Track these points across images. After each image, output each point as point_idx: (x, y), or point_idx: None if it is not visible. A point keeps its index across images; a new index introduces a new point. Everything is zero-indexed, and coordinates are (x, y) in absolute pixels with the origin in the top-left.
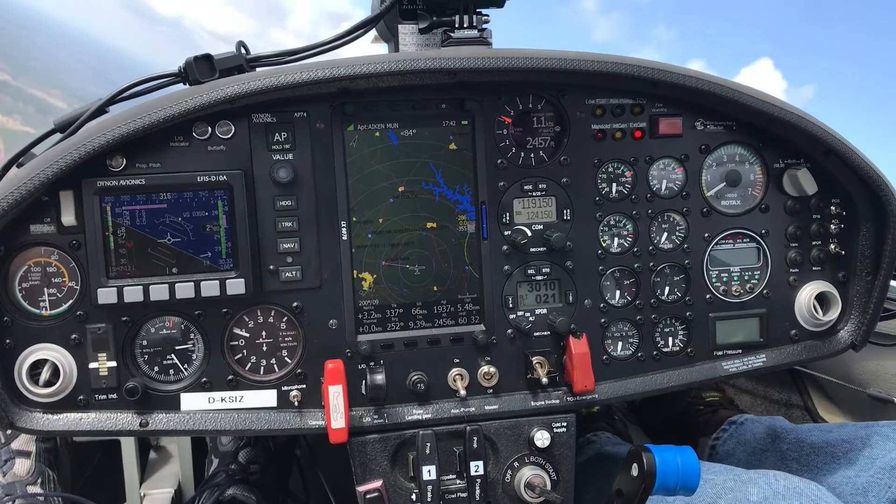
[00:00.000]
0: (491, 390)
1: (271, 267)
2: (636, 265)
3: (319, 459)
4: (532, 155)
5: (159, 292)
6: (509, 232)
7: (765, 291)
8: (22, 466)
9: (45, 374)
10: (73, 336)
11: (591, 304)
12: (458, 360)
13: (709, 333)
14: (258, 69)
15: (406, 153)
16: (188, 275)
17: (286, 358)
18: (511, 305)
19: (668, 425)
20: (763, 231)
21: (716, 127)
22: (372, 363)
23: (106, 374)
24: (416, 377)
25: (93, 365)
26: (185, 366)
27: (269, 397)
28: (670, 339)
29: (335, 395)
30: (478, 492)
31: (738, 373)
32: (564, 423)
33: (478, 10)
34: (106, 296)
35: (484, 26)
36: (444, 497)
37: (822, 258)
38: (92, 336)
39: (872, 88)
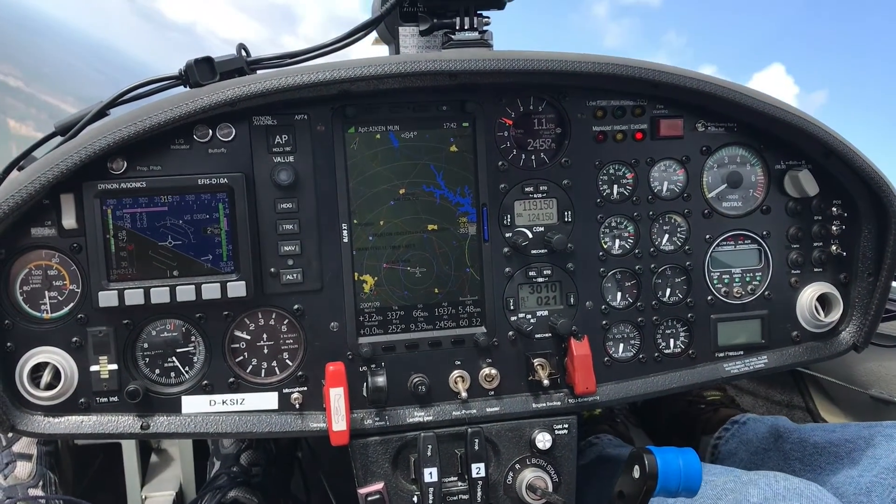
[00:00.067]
0: (492, 392)
1: (272, 269)
2: (637, 267)
3: (321, 462)
4: (533, 157)
5: (160, 295)
6: (510, 234)
7: (766, 293)
8: (23, 469)
9: (46, 377)
10: (74, 339)
11: (592, 305)
12: (459, 363)
13: (710, 335)
14: (259, 72)
15: (407, 155)
16: (189, 277)
17: (287, 360)
18: (512, 307)
19: (670, 426)
20: (764, 232)
21: (717, 128)
22: (373, 365)
23: (107, 376)
24: (417, 379)
25: (94, 368)
26: (186, 368)
27: (270, 400)
28: (672, 340)
29: (336, 397)
30: (479, 494)
31: (739, 374)
32: (566, 425)
33: (478, 11)
34: (107, 299)
35: (485, 28)
36: (445, 499)
37: (824, 259)
38: (93, 339)
39: (885, 93)
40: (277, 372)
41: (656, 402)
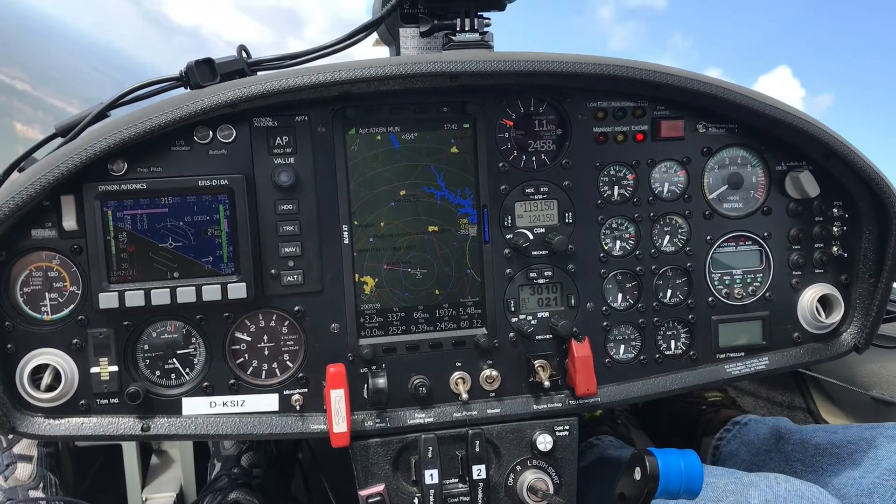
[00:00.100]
0: (493, 394)
1: (273, 271)
2: (638, 268)
3: (321, 463)
4: (534, 158)
5: (161, 297)
6: (511, 235)
7: (767, 294)
8: (24, 471)
9: (46, 378)
10: (75, 340)
11: (593, 307)
12: (459, 364)
13: (711, 336)
14: (259, 73)
15: (407, 157)
16: (190, 279)
17: (288, 362)
18: (513, 309)
19: (671, 427)
20: (765, 233)
21: (717, 129)
22: (374, 367)
23: (107, 378)
24: (417, 381)
25: (94, 369)
26: (187, 370)
27: (270, 401)
28: (673, 342)
29: (337, 398)
30: (480, 496)
31: (740, 375)
32: (567, 427)
33: (479, 13)
34: (107, 300)
35: (485, 29)
36: (446, 501)
37: (825, 260)
38: (93, 340)
39: (892, 96)
40: (278, 373)
41: (657, 403)
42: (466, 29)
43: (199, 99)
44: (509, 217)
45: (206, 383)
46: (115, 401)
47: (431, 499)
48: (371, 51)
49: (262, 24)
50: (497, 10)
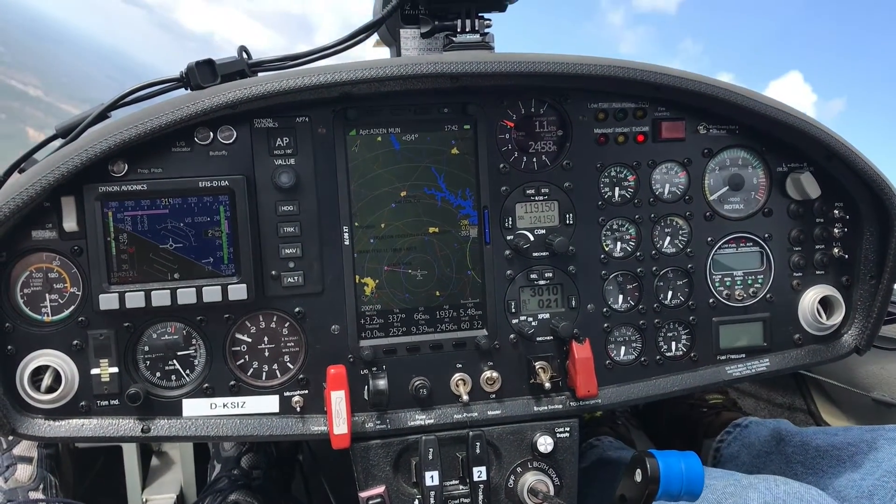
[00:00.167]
0: (493, 395)
1: (273, 272)
2: (639, 269)
3: (322, 465)
4: (534, 159)
5: (161, 298)
6: (512, 236)
7: (768, 295)
8: (24, 472)
9: (46, 380)
10: (75, 342)
11: (593, 308)
12: (460, 366)
13: (712, 338)
14: (260, 74)
15: (408, 158)
16: (190, 280)
17: (288, 363)
18: (514, 310)
19: (672, 428)
20: (766, 235)
21: (718, 131)
22: (374, 368)
23: (108, 380)
24: (418, 382)
25: (94, 371)
26: (187, 371)
27: (271, 403)
28: (673, 343)
29: (337, 400)
30: (481, 497)
31: (741, 377)
32: (567, 428)
33: (479, 14)
34: (108, 301)
35: (486, 30)
36: (446, 503)
37: (826, 262)
38: (94, 342)
39: None
40: (278, 375)
41: (658, 405)
42: (467, 30)
43: (200, 100)
44: (510, 218)
45: (206, 385)
46: (116, 402)
47: (432, 500)
48: (372, 52)
49: (274, 30)
50: (498, 11)
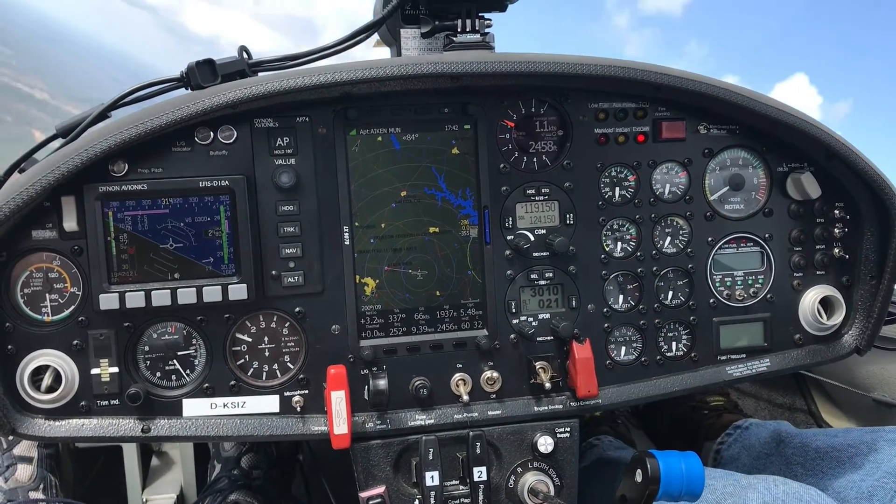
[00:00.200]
0: (494, 395)
1: (273, 272)
2: (639, 269)
3: (322, 465)
4: (535, 159)
5: (161, 298)
6: (512, 236)
7: (769, 296)
8: (24, 472)
9: (46, 380)
10: (75, 342)
11: (594, 308)
12: (460, 366)
13: (712, 338)
14: (260, 74)
15: (408, 158)
16: (190, 280)
17: (288, 363)
18: (514, 310)
19: (672, 429)
20: (767, 235)
21: (719, 131)
22: (374, 368)
23: (108, 379)
24: (418, 382)
25: (95, 371)
26: (188, 371)
27: (271, 403)
28: (674, 343)
29: (338, 400)
30: (481, 498)
31: (742, 377)
32: (568, 429)
33: (480, 14)
34: (108, 301)
35: (486, 30)
36: (447, 503)
37: (826, 262)
38: (94, 342)
39: None
40: (279, 375)
41: (658, 405)
42: (467, 30)
43: (200, 100)
44: (510, 218)
45: (206, 384)
46: (116, 402)
47: (432, 500)
48: (372, 52)
49: (279, 32)
50: (498, 10)
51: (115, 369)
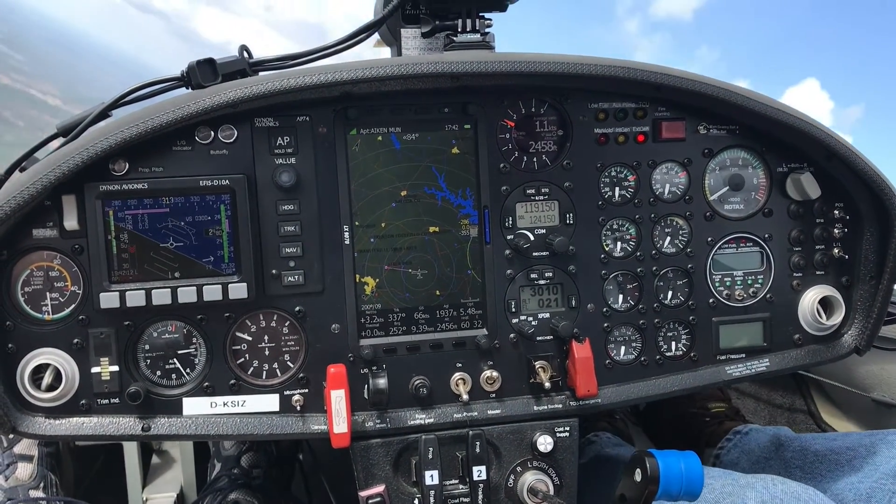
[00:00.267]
0: (493, 395)
1: (274, 271)
2: (639, 269)
3: (322, 464)
4: (535, 159)
5: (161, 297)
6: (512, 236)
7: (768, 296)
8: (24, 470)
9: (47, 378)
10: (76, 340)
11: (593, 308)
12: (460, 365)
13: (712, 338)
14: (261, 73)
15: (408, 157)
16: (190, 279)
17: (288, 362)
18: (514, 310)
19: (672, 430)
20: (766, 235)
21: (719, 131)
22: (374, 367)
23: (108, 378)
24: (418, 382)
25: (95, 369)
26: (188, 370)
27: (271, 402)
28: (673, 343)
29: (337, 399)
30: (480, 497)
31: (741, 377)
32: (567, 428)
33: (480, 13)
34: (108, 300)
35: (487, 30)
36: (446, 502)
37: (826, 262)
38: (94, 340)
39: None
40: (278, 374)
41: (658, 405)
42: (468, 30)
43: (201, 99)
44: (510, 218)
45: (206, 383)
46: (116, 401)
47: (432, 500)
48: (372, 52)
49: (290, 39)
50: (498, 10)
51: (116, 368)
